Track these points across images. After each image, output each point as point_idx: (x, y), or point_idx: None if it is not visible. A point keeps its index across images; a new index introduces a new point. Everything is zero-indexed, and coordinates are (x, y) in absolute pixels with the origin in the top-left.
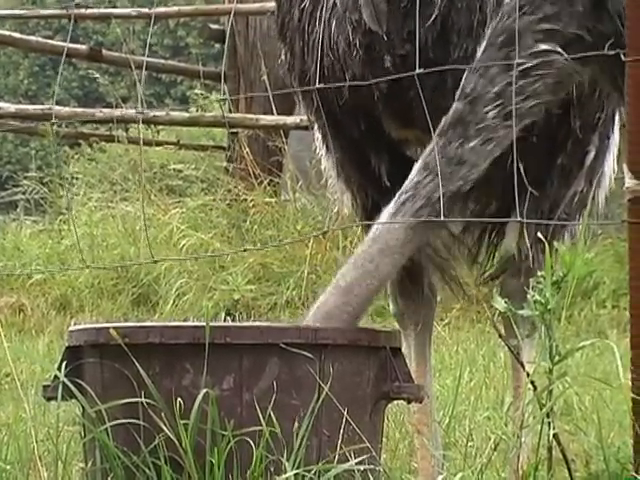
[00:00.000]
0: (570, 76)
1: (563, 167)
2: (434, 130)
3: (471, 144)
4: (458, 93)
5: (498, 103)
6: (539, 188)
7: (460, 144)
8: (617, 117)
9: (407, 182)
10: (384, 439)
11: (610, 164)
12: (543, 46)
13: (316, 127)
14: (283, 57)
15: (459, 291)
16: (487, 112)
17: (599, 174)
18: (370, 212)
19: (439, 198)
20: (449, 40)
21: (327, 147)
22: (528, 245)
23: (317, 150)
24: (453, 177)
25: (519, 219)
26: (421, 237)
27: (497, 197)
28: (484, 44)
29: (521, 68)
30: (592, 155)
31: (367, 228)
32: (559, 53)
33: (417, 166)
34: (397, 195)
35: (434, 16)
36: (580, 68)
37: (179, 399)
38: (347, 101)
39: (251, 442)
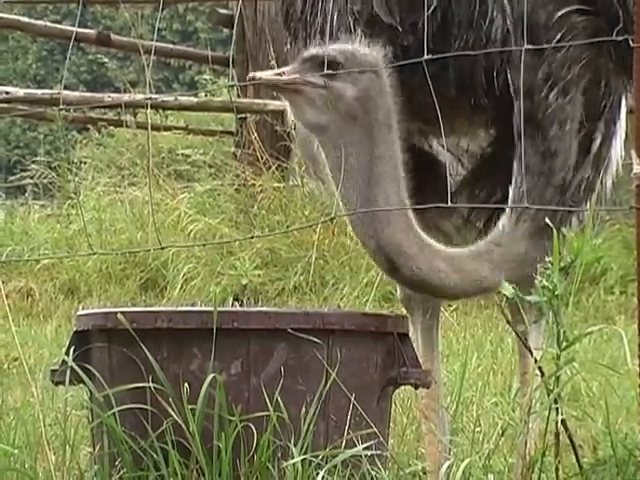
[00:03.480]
0: (597, 29)
1: None
2: (437, 120)
3: (551, 133)
4: (512, 94)
5: (550, 84)
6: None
7: (542, 137)
8: (623, 102)
9: (515, 189)
10: (391, 424)
11: (617, 149)
12: (560, 12)
13: None
14: (288, 45)
15: None
16: (547, 96)
17: (606, 160)
18: None
19: (551, 197)
20: (450, 31)
21: None
22: None
23: None
24: (553, 170)
25: (526, 205)
26: (538, 251)
27: (503, 185)
28: (512, 40)
29: (553, 44)
30: (598, 142)
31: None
32: (577, 11)
33: (517, 171)
34: (511, 201)
35: (433, 7)
36: (600, 21)
37: (187, 384)
38: None
39: (258, 427)
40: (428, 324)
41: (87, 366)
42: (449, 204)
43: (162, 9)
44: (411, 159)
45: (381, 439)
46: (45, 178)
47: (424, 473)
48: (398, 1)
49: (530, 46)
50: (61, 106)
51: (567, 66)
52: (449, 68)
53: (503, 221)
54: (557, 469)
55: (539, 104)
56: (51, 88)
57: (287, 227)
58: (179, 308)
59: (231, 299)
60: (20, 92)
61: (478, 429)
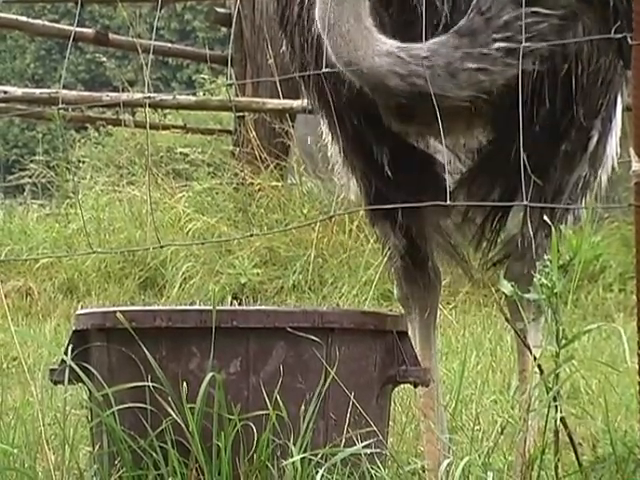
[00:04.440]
0: (575, 16)
1: (566, 153)
2: (436, 124)
3: (468, 65)
4: (473, 4)
5: (505, 35)
6: (543, 175)
7: (462, 58)
8: (619, 99)
9: (423, 46)
10: (391, 423)
11: (612, 146)
12: None
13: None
14: (284, 48)
15: (468, 271)
16: (494, 40)
17: (601, 157)
18: (373, 199)
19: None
20: None
21: (332, 134)
22: (531, 230)
23: (323, 135)
24: (438, 81)
25: (525, 203)
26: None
27: (500, 184)
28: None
29: (532, 10)
30: (595, 140)
31: (371, 213)
32: None
33: (430, 44)
34: (417, 46)
35: (441, 26)
36: (584, 7)
37: (186, 383)
38: (346, 98)
39: (258, 426)
40: (426, 322)
41: (86, 365)
42: (447, 202)
43: (160, 8)
44: (409, 158)
45: (380, 437)
46: (44, 177)
47: (423, 471)
48: (393, 22)
49: (528, 44)
50: (59, 105)
51: (529, 36)
52: None
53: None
54: (556, 467)
55: (486, 36)
56: (49, 87)
57: (286, 226)
58: (178, 307)
59: (230, 298)
60: (18, 91)
61: (477, 427)
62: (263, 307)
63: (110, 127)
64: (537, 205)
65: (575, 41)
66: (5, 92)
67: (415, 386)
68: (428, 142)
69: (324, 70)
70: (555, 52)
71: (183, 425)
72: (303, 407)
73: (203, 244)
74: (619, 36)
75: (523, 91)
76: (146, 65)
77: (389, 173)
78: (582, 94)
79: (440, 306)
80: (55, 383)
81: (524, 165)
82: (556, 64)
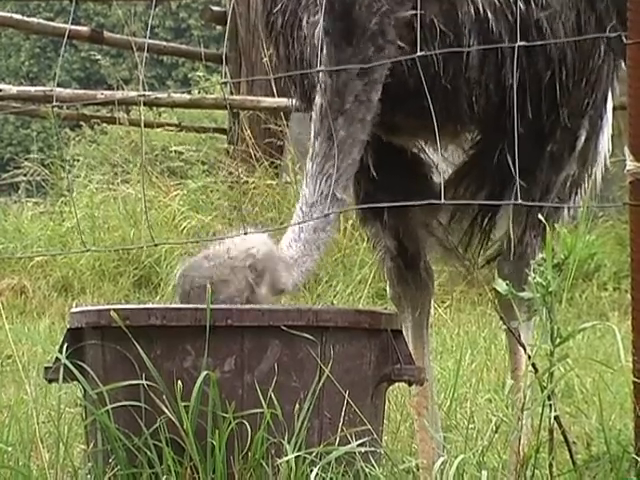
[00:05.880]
0: None
1: (552, 154)
2: (424, 134)
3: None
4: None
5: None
6: (529, 177)
7: None
8: (609, 97)
9: None
10: (385, 421)
11: (604, 143)
12: None
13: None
14: (271, 50)
15: (462, 263)
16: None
17: (592, 155)
18: (362, 200)
19: None
20: (431, 64)
21: None
22: (519, 231)
23: None
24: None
25: (514, 201)
26: None
27: (486, 187)
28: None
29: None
30: (583, 139)
31: (362, 214)
32: None
33: None
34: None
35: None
36: None
37: (180, 381)
38: None
39: (252, 424)
40: (418, 322)
41: (81, 363)
42: (442, 200)
43: (155, 6)
44: (395, 159)
45: (375, 436)
46: (38, 175)
47: (418, 470)
48: None
49: (523, 43)
50: (54, 103)
51: (518, 35)
52: (434, 102)
53: None
54: (551, 465)
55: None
56: (44, 85)
57: (280, 224)
58: (173, 305)
59: None
60: (13, 89)
61: (472, 426)
62: (257, 306)
63: (105, 125)
64: (525, 204)
65: (569, 40)
66: (0, 90)
67: (409, 384)
68: (414, 143)
69: (318, 68)
70: (538, 59)
71: (177, 423)
72: (298, 405)
73: (197, 242)
74: (613, 35)
75: (508, 102)
76: (141, 63)
77: (374, 174)
78: (566, 96)
79: (435, 305)
80: (49, 381)
81: (510, 167)
82: (539, 70)
